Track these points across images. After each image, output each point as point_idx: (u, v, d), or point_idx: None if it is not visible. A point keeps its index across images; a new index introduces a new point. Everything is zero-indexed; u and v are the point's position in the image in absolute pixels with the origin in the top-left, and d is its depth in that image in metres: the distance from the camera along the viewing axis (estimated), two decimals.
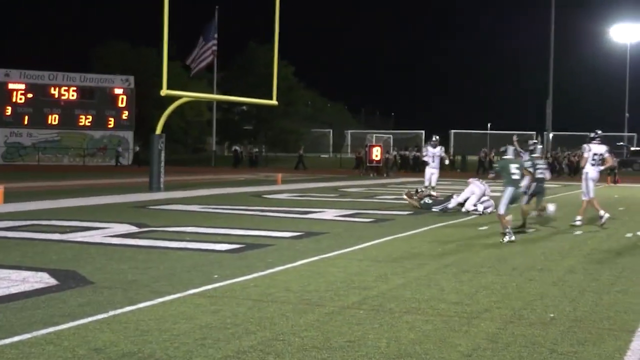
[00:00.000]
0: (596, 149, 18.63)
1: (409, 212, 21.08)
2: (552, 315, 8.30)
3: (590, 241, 15.32)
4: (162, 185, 29.88)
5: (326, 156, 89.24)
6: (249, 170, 59.24)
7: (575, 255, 13.15)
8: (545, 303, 8.92)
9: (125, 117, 69.08)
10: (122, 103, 68.86)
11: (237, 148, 69.98)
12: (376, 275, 10.63)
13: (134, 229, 16.18)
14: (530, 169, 17.58)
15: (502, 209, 15.10)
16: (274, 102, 35.19)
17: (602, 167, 18.92)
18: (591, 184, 18.53)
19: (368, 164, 55.24)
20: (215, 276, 10.31)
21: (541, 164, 19.08)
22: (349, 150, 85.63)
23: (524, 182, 16.68)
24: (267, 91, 39.57)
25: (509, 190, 15.40)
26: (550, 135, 67.08)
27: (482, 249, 13.80)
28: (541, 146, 22.45)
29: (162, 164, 30.20)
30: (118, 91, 68.74)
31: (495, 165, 21.01)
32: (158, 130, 30.55)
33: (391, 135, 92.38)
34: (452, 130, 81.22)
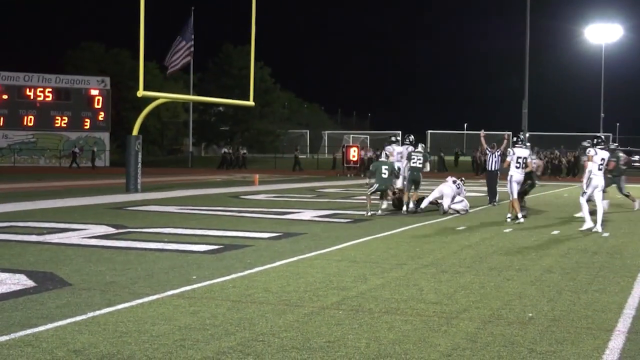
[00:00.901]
0: (519, 152, 19.74)
1: (387, 213, 21.09)
2: (530, 314, 8.33)
3: (568, 241, 15.40)
4: (139, 187, 29.79)
5: (303, 157, 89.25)
6: (238, 172, 58.93)
7: (552, 255, 13.21)
8: (524, 303, 8.96)
9: (102, 119, 68.80)
10: (98, 104, 68.57)
11: (226, 150, 69.62)
12: (355, 276, 10.63)
13: (111, 230, 16.11)
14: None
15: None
16: (251, 103, 35.17)
17: (526, 170, 19.82)
18: (514, 186, 19.47)
19: (345, 165, 55.29)
20: (194, 277, 10.28)
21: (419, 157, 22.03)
22: (326, 151, 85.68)
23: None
24: (243, 92, 39.61)
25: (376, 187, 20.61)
26: (527, 135, 67.41)
27: (460, 249, 13.84)
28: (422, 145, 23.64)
29: (139, 165, 30.11)
30: (94, 92, 68.44)
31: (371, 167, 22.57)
32: (135, 132, 30.45)
33: (368, 136, 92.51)
34: (429, 131, 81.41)
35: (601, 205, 17.70)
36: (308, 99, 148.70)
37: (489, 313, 8.36)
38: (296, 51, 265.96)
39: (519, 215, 19.18)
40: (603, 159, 17.64)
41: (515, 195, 19.51)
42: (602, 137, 18.77)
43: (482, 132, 24.04)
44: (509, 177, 19.67)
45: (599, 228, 17.33)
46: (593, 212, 17.71)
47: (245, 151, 70.57)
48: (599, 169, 17.55)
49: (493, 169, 25.28)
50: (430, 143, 75.95)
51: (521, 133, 20.78)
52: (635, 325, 7.95)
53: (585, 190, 17.59)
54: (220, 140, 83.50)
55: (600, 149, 17.70)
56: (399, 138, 26.69)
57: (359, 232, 16.22)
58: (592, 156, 17.54)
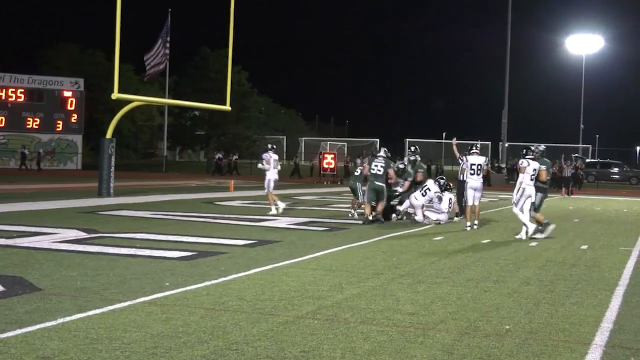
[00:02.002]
0: (473, 159, 20.27)
1: (364, 221, 21.10)
2: (507, 327, 8.36)
3: (545, 253, 15.47)
4: (111, 191, 29.67)
5: (280, 163, 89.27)
6: (230, 178, 58.69)
7: (530, 267, 13.27)
8: (501, 314, 8.99)
9: (75, 120, 68.45)
10: (71, 106, 68.21)
11: (220, 155, 69.18)
12: (330, 285, 10.63)
13: (83, 234, 16.03)
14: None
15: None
16: (227, 107, 35.09)
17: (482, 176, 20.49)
18: (470, 193, 20.16)
19: (322, 172, 55.32)
20: (167, 284, 10.25)
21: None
22: (303, 158, 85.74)
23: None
24: (220, 96, 39.52)
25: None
26: (506, 145, 67.77)
27: (438, 259, 13.87)
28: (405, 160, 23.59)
29: (112, 169, 29.99)
30: (67, 94, 68.10)
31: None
32: (108, 135, 30.34)
33: (345, 143, 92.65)
34: (407, 139, 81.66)
35: (527, 215, 18.09)
36: (285, 105, 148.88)
37: (466, 325, 8.38)
38: (274, 56, 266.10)
39: (473, 222, 19.99)
40: (535, 170, 18.13)
41: (470, 203, 20.08)
42: (533, 147, 19.11)
43: (454, 141, 24.13)
44: (465, 185, 20.39)
45: (522, 235, 17.87)
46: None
47: (236, 156, 70.41)
48: (531, 179, 18.05)
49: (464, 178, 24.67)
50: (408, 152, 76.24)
51: (478, 143, 21.37)
52: (613, 338, 7.99)
53: (516, 201, 18.12)
54: (195, 144, 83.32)
55: (531, 159, 18.19)
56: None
57: (335, 241, 16.23)
58: (525, 167, 18.04)
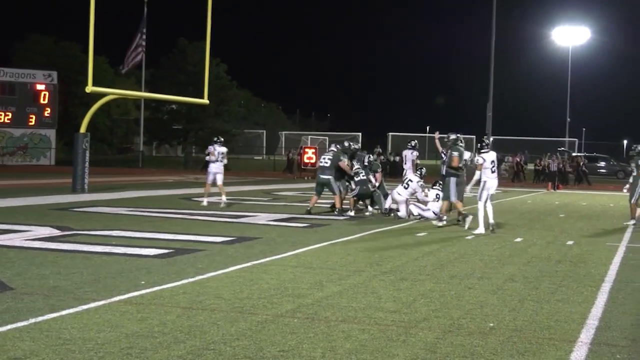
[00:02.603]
0: (491, 156, 19.76)
1: (345, 217, 21.12)
2: (491, 324, 8.38)
3: (530, 249, 15.53)
4: (86, 187, 29.54)
5: (259, 158, 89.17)
6: (247, 173, 58.30)
7: (515, 263, 13.32)
8: (485, 312, 9.02)
9: (48, 115, 68.03)
10: (44, 100, 67.77)
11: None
12: (311, 283, 10.63)
13: (56, 232, 15.96)
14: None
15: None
16: (205, 101, 34.99)
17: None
18: (485, 194, 19.54)
19: (303, 167, 55.30)
20: (143, 282, 10.22)
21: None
22: (283, 152, 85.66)
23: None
24: (198, 89, 39.38)
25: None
26: (491, 139, 67.91)
27: (421, 255, 13.90)
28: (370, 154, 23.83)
29: (87, 164, 29.86)
30: (40, 87, 67.65)
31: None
32: (82, 129, 30.19)
33: (327, 137, 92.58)
34: (390, 133, 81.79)
35: (490, 208, 18.61)
36: (265, 98, 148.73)
37: (449, 322, 8.40)
38: (254, 48, 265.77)
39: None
40: (493, 161, 18.71)
41: (483, 201, 19.52)
42: (487, 140, 19.72)
43: (437, 134, 24.13)
44: (483, 185, 19.30)
45: (481, 230, 18.24)
46: None
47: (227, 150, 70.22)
48: (492, 172, 18.61)
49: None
50: (391, 145, 76.34)
51: (490, 138, 21.77)
52: (599, 336, 8.03)
53: (480, 196, 18.60)
54: (173, 139, 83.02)
55: (485, 152, 18.78)
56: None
57: (316, 237, 16.23)
58: (482, 164, 18.60)
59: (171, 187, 35.25)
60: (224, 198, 24.45)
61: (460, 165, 19.58)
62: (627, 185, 22.54)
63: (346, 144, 23.07)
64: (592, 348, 7.54)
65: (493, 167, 18.50)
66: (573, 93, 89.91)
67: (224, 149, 24.88)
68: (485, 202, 18.46)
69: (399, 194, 21.43)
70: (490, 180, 18.46)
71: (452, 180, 19.48)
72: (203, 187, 25.67)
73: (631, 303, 9.96)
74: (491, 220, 18.35)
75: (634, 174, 21.77)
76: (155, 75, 78.18)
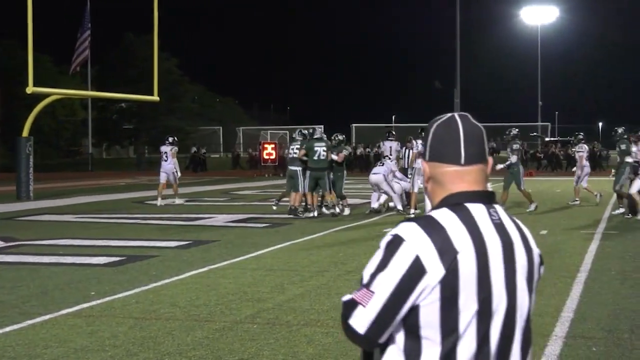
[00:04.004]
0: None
1: (309, 215, 21.08)
2: None
3: None
4: (31, 194, 29.33)
5: (217, 156, 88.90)
6: (201, 174, 58.19)
7: None
8: None
9: None
10: None
11: (195, 149, 68.21)
12: (272, 286, 10.64)
13: (0, 243, 15.85)
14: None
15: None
16: (156, 98, 34.84)
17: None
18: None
19: (262, 163, 55.25)
20: (93, 293, 10.18)
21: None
22: (242, 149, 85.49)
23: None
24: (147, 86, 39.20)
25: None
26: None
27: None
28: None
29: (31, 170, 29.64)
30: None
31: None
32: (25, 133, 29.97)
33: (287, 132, 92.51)
34: (354, 125, 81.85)
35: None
36: (221, 93, 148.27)
37: None
38: (206, 40, 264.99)
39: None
40: (397, 150, 22.66)
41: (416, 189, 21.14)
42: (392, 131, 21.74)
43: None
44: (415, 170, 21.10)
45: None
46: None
47: (204, 151, 69.81)
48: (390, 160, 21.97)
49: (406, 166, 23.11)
50: (354, 137, 76.45)
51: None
52: (574, 329, 8.12)
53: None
54: (123, 139, 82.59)
55: (392, 140, 23.07)
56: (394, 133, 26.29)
57: (277, 238, 16.23)
58: (417, 153, 21.04)
59: (123, 191, 35.08)
60: (177, 200, 25.97)
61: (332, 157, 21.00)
62: (613, 171, 22.97)
63: (304, 131, 22.59)
64: (567, 342, 7.62)
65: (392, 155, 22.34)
66: (544, 75, 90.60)
67: (175, 148, 25.76)
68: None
69: (374, 173, 21.19)
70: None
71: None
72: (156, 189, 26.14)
73: (607, 293, 10.07)
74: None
75: (619, 160, 21.83)
76: (102, 72, 77.65)
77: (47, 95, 31.71)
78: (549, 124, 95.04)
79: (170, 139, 26.55)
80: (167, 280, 11.13)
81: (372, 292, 2.42)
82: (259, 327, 8.22)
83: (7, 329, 8.25)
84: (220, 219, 20.45)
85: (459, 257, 2.40)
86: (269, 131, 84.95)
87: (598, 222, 19.25)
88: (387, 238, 2.49)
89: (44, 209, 24.81)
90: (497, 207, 2.59)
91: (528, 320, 2.61)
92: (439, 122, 2.62)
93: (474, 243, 2.44)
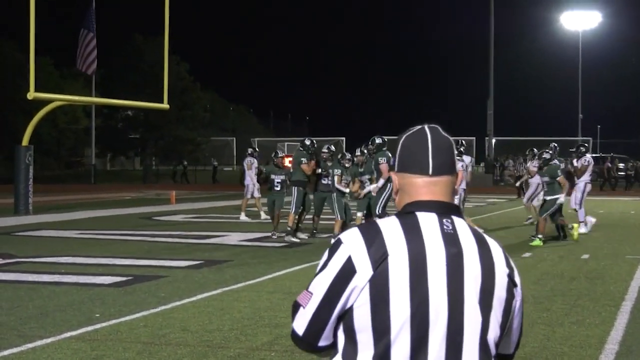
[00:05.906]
0: None
1: (329, 235, 21.01)
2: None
3: (541, 264, 15.58)
4: (30, 208, 29.41)
5: (230, 169, 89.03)
6: (213, 187, 58.38)
7: (524, 282, 13.30)
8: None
9: None
10: None
11: (215, 163, 68.69)
12: (290, 311, 10.59)
13: None
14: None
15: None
16: (165, 105, 34.90)
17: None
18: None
19: None
20: (97, 315, 10.20)
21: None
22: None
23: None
24: (156, 92, 39.31)
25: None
26: (493, 140, 68.12)
27: None
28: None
29: (30, 181, 29.74)
30: None
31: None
32: (25, 141, 30.08)
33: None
34: (376, 137, 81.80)
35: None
36: (234, 101, 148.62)
37: None
38: (220, 44, 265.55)
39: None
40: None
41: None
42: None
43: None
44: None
45: None
46: None
47: (216, 163, 70.18)
48: None
49: None
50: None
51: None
52: None
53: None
54: (129, 150, 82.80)
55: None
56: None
57: (295, 258, 16.23)
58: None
59: (129, 206, 35.16)
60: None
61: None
62: None
63: (307, 141, 21.67)
64: None
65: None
66: (585, 86, 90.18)
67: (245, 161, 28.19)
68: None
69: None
70: None
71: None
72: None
73: None
74: None
75: None
76: (107, 76, 77.72)
77: (50, 101, 31.82)
78: (590, 138, 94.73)
79: (250, 150, 28.41)
80: (177, 303, 11.15)
81: (311, 293, 2.72)
82: (276, 355, 8.22)
83: (6, 352, 8.27)
84: (233, 238, 20.45)
85: (390, 259, 2.56)
86: (285, 143, 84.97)
87: None
88: (332, 241, 2.70)
89: (44, 223, 24.89)
90: (456, 218, 2.71)
91: (487, 340, 2.65)
92: (408, 133, 2.81)
93: (409, 248, 2.58)
